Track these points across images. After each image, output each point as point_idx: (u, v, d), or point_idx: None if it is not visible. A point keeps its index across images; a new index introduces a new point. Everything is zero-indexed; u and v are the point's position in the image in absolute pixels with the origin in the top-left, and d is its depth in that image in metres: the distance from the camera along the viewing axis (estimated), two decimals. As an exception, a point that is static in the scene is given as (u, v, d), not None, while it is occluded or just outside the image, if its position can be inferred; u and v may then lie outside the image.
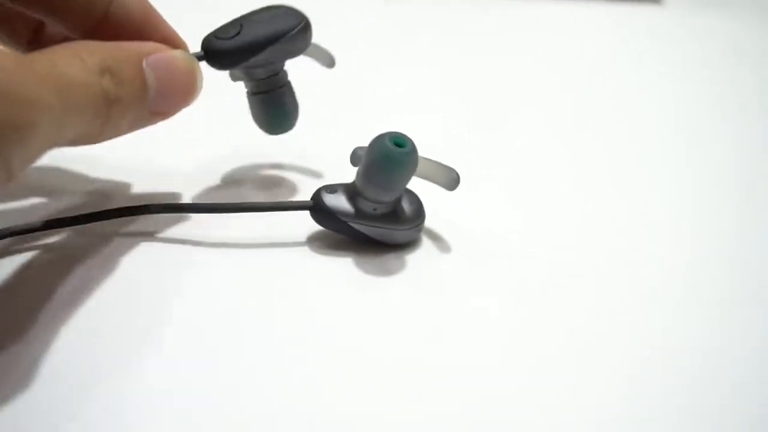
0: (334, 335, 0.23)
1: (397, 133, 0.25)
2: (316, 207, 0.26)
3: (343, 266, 0.26)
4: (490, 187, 0.33)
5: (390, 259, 0.27)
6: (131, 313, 0.24)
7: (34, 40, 0.28)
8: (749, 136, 0.41)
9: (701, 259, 0.29)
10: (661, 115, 0.44)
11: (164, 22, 0.27)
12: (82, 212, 0.27)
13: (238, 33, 0.28)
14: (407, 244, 0.27)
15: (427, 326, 0.24)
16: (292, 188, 0.32)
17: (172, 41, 0.27)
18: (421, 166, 0.26)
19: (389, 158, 0.24)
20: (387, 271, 0.26)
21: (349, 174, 0.27)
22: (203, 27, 0.28)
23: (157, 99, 0.24)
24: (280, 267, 0.26)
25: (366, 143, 0.26)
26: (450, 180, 0.27)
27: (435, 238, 0.28)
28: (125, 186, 0.31)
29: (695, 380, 0.22)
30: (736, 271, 0.28)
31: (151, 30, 0.26)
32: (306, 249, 0.27)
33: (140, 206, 0.27)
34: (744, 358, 0.24)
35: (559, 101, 0.45)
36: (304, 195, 0.27)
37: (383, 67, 0.50)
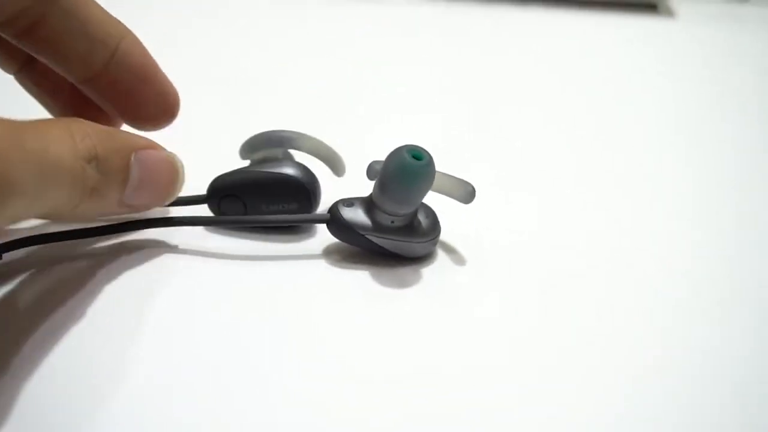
0: (349, 347, 0.24)
1: (415, 146, 0.25)
2: (334, 220, 0.27)
3: (359, 278, 0.27)
4: (500, 195, 0.34)
5: (406, 271, 0.28)
6: (141, 323, 0.24)
7: (28, 64, 0.28)
8: (752, 141, 0.43)
9: (702, 259, 0.30)
10: (666, 121, 0.45)
11: (162, 72, 0.27)
12: (102, 224, 0.27)
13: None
14: (423, 257, 0.28)
15: (443, 338, 0.25)
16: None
17: (168, 92, 0.27)
18: (437, 181, 0.26)
19: (407, 171, 0.25)
20: (403, 284, 0.27)
21: (362, 181, 0.28)
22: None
23: (133, 194, 0.24)
24: (295, 279, 0.27)
25: (378, 152, 0.26)
26: (466, 193, 0.27)
27: (449, 250, 0.29)
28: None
29: (695, 380, 0.23)
30: (737, 272, 0.29)
31: (149, 80, 0.27)
32: (322, 261, 0.28)
33: (158, 219, 0.28)
34: (744, 357, 0.24)
35: (568, 109, 0.46)
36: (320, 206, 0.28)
37: (386, 72, 0.51)
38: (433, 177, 0.26)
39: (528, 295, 0.27)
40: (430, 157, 0.25)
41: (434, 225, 0.28)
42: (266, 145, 0.29)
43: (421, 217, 0.28)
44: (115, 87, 0.26)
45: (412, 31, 0.61)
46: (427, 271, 0.28)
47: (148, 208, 0.26)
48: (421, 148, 0.25)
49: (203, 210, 0.30)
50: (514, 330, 0.25)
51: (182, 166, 0.27)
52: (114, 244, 0.28)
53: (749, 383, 0.23)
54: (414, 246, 0.27)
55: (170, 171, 0.26)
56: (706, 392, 0.23)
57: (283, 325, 0.25)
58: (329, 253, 0.29)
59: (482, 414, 0.22)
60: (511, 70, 0.53)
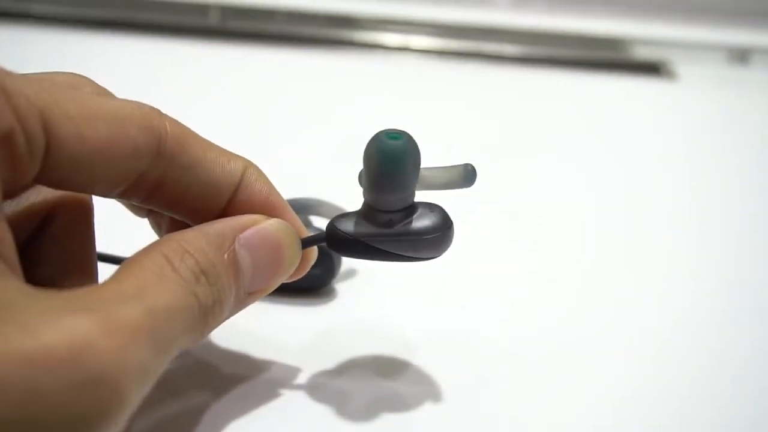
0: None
1: (391, 129, 0.23)
2: (331, 235, 0.25)
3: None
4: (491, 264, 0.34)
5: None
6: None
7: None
8: (754, 204, 0.43)
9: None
10: (668, 184, 0.46)
11: (286, 206, 0.25)
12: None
13: None
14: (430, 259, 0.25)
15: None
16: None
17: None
18: (428, 176, 0.24)
19: (386, 153, 0.23)
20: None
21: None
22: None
23: (251, 282, 0.23)
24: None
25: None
26: (465, 173, 0.24)
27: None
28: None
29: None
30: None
31: (272, 213, 0.24)
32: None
33: None
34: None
35: (568, 170, 0.47)
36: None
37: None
38: (418, 155, 0.23)
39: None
40: (408, 136, 0.23)
41: (442, 218, 0.25)
42: None
43: (425, 210, 0.25)
44: None
45: (413, 86, 0.62)
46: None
47: (275, 286, 0.24)
48: (398, 129, 0.23)
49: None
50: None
51: (292, 230, 0.24)
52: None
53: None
54: (422, 240, 0.24)
55: (282, 242, 0.24)
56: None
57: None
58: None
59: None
60: (510, 131, 0.53)
